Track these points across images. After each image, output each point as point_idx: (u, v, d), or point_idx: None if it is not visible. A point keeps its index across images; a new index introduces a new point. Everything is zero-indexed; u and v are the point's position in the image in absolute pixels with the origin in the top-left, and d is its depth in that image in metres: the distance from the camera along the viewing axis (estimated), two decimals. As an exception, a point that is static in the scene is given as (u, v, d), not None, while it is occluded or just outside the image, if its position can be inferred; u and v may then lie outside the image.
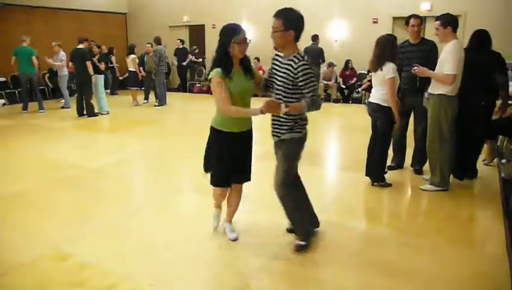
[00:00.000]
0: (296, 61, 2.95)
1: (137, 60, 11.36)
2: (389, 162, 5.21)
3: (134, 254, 3.31)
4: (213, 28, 13.88)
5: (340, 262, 3.16)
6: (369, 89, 10.70)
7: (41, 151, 6.63)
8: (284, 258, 3.20)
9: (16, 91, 11.96)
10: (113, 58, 13.43)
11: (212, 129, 3.27)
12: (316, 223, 3.59)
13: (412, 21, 4.89)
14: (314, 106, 3.00)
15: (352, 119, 9.25)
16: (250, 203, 4.14)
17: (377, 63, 4.43)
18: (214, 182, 3.37)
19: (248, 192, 3.72)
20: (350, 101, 11.33)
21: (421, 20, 4.96)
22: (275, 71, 3.14)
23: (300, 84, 2.96)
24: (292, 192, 3.34)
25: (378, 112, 4.54)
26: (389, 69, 4.31)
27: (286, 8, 2.96)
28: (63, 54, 10.49)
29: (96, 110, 9.78)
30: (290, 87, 3.02)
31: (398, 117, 4.42)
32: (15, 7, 12.46)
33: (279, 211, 3.43)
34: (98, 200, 4.47)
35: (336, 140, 7.72)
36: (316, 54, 10.57)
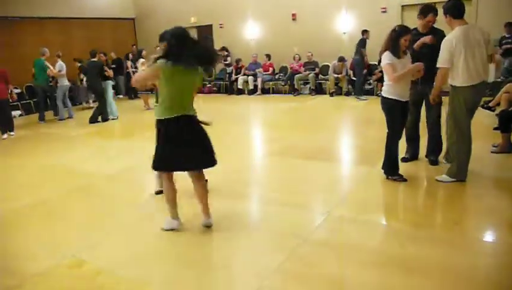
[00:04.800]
0: None
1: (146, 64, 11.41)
2: (403, 154, 5.12)
3: (149, 260, 3.32)
4: (220, 27, 13.88)
5: (356, 259, 3.11)
6: (380, 80, 10.57)
7: (57, 160, 6.69)
8: (298, 257, 3.16)
9: (31, 101, 12.15)
10: (129, 64, 13.51)
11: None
12: None
13: (430, 17, 4.68)
14: None
15: (364, 111, 9.13)
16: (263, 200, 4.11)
17: (380, 54, 4.41)
18: None
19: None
20: (362, 94, 11.17)
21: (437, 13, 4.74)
22: None
23: None
24: None
25: (382, 104, 4.49)
26: (383, 58, 4.29)
27: None
28: (59, 64, 10.41)
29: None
30: None
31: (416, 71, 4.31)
32: (27, 19, 12.62)
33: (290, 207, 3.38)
34: (112, 207, 4.48)
35: (348, 134, 7.63)
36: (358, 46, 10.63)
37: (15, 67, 11.80)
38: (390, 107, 4.40)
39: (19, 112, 11.82)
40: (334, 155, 6.10)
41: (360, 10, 11.42)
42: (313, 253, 3.22)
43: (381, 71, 10.51)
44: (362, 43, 10.52)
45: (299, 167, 5.40)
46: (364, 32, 10.51)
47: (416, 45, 4.63)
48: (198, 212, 3.77)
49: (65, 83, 10.57)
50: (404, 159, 5.07)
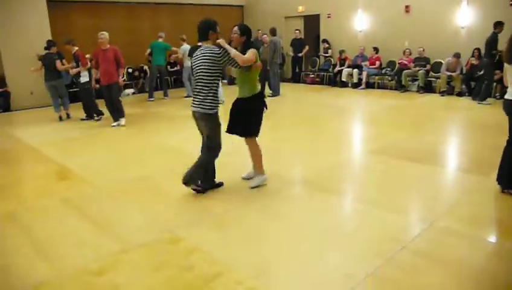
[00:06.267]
0: None
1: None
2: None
3: (243, 245, 3.37)
4: (328, 17, 13.60)
5: (459, 276, 2.84)
6: (501, 80, 9.54)
7: (163, 139, 7.13)
8: (395, 265, 2.97)
9: (141, 80, 13.15)
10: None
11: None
12: None
13: None
14: None
15: (479, 115, 8.31)
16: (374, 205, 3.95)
17: (509, 54, 3.90)
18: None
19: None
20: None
21: None
22: None
23: None
24: None
25: (507, 107, 4.01)
26: None
27: None
28: (183, 48, 11.21)
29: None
30: None
31: None
32: (143, 4, 13.53)
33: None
34: (210, 191, 4.59)
35: (459, 137, 7.00)
36: (487, 43, 9.28)
37: (132, 50, 12.80)
38: None
39: (132, 90, 12.82)
40: (441, 159, 5.65)
41: (484, 2, 10.38)
42: (412, 262, 3.01)
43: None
44: (494, 43, 9.32)
45: (401, 169, 5.10)
46: (498, 24, 8.89)
47: None
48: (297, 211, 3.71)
49: (189, 63, 11.18)
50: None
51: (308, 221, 3.75)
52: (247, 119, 4.42)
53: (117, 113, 8.17)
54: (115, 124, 8.12)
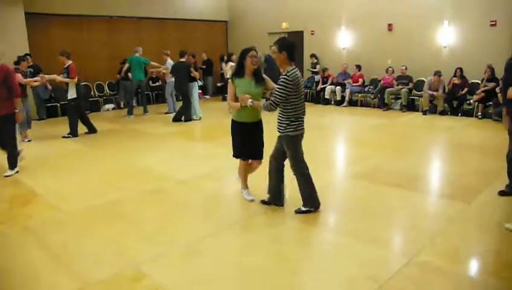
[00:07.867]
0: None
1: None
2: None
3: (212, 283, 3.13)
4: (312, 34, 13.56)
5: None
6: (482, 100, 9.55)
7: (139, 159, 6.86)
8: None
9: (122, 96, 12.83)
10: (223, 65, 13.84)
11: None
12: None
13: None
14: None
15: (462, 134, 8.23)
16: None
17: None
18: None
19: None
20: (459, 114, 10.19)
21: None
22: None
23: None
24: None
25: None
26: None
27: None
28: (169, 63, 10.94)
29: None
30: None
31: None
32: (125, 18, 13.33)
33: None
34: (180, 218, 4.38)
35: (442, 160, 6.87)
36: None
37: (113, 64, 12.57)
38: None
39: (112, 106, 12.55)
40: (423, 184, 5.47)
41: (465, 23, 10.43)
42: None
43: (484, 91, 9.53)
44: None
45: (382, 195, 4.92)
46: None
47: None
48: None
49: (171, 80, 10.89)
50: (501, 193, 4.47)
51: (283, 254, 3.53)
52: (262, 141, 4.69)
53: (10, 158, 5.96)
54: (7, 172, 5.96)
